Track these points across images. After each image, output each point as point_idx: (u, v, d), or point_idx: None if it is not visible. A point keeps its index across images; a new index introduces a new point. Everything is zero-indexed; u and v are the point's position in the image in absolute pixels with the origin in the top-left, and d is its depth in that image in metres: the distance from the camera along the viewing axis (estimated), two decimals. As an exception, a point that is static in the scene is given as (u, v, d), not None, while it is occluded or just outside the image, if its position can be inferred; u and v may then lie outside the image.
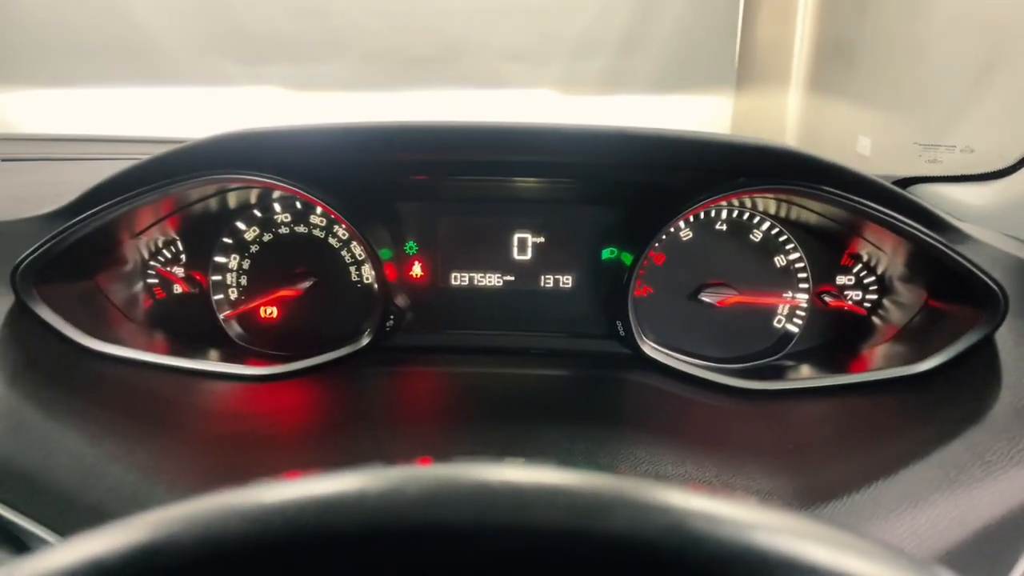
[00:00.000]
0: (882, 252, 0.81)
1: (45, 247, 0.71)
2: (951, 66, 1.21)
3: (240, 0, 2.48)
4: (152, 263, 0.86)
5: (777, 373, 0.81)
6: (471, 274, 0.87)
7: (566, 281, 0.87)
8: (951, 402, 0.66)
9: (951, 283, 0.72)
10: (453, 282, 0.87)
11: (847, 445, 0.65)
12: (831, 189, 0.72)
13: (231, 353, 0.84)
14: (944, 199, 1.02)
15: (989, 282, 0.67)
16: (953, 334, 0.71)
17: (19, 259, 0.69)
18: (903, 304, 0.81)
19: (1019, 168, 0.96)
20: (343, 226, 0.84)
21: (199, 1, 2.50)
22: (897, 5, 1.46)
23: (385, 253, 0.83)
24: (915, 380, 0.71)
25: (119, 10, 2.46)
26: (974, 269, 0.67)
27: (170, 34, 2.52)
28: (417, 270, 0.87)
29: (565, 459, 0.62)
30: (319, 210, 0.85)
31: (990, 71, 1.07)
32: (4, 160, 1.06)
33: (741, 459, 0.63)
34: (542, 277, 0.87)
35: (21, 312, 0.70)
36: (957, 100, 1.10)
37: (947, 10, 1.27)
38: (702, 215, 0.83)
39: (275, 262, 0.86)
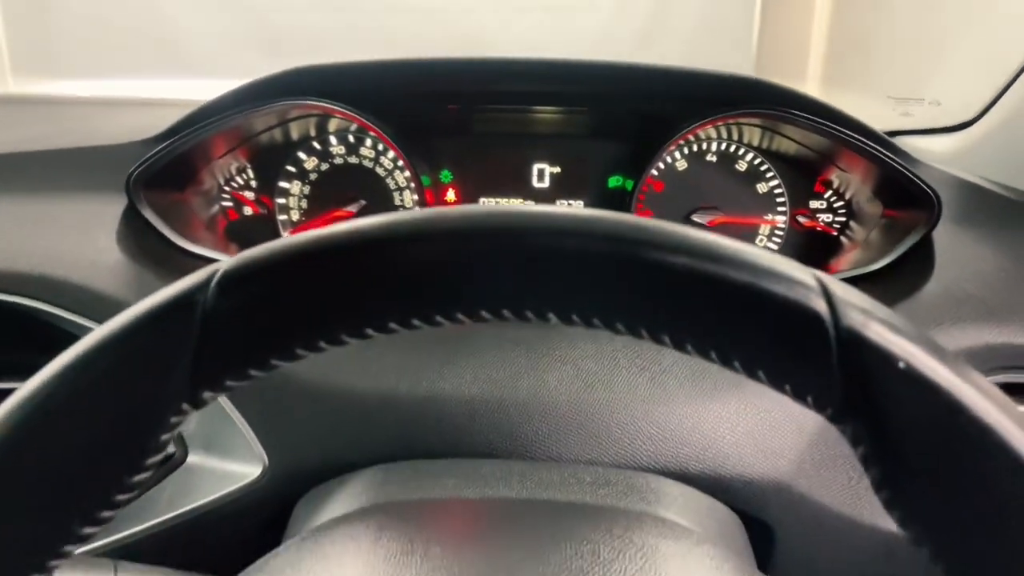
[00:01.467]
0: (850, 178, 0.95)
1: (148, 163, 0.87)
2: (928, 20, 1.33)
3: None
4: (226, 187, 1.02)
5: (757, 281, 0.95)
6: (497, 199, 1.02)
7: (578, 206, 1.02)
8: (894, 289, 0.80)
9: (901, 197, 0.86)
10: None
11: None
12: (801, 113, 0.86)
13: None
14: (913, 150, 1.16)
15: (925, 188, 0.81)
16: (901, 238, 0.85)
17: (130, 170, 0.85)
18: (866, 223, 0.94)
19: (977, 120, 1.10)
20: (392, 154, 0.99)
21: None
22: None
23: (425, 180, 0.98)
24: (868, 277, 0.85)
25: (149, 5, 2.61)
26: (914, 177, 0.82)
27: (198, 28, 2.66)
28: (451, 195, 1.02)
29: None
30: (369, 142, 1.00)
31: (958, 27, 1.20)
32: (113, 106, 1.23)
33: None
34: (558, 202, 1.02)
35: (133, 213, 0.86)
36: (928, 54, 1.23)
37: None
38: (695, 147, 0.98)
39: (331, 187, 1.02)
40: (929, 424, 0.33)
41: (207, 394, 0.38)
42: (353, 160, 1.01)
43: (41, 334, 0.74)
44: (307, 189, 1.02)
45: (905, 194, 0.84)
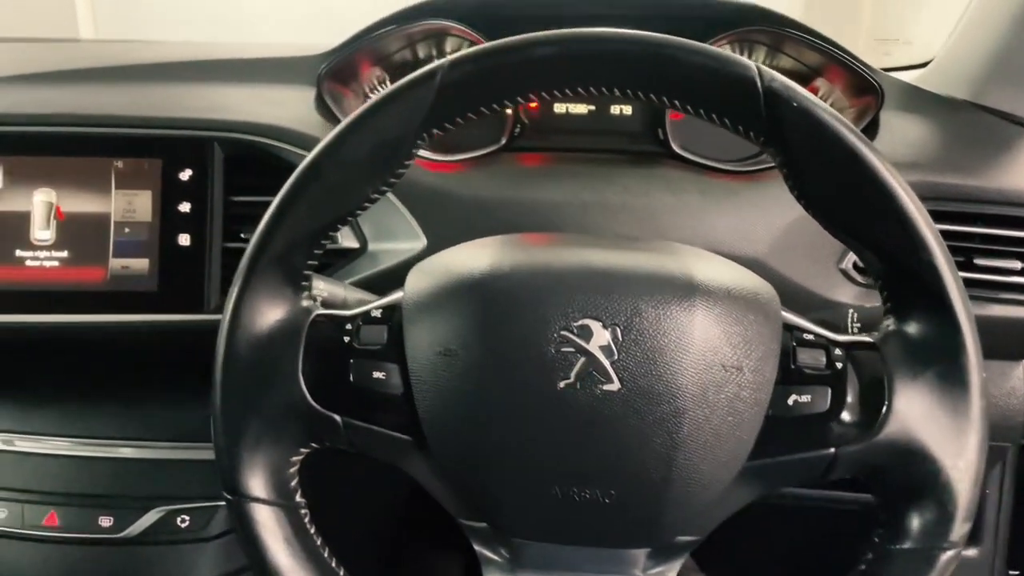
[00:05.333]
0: (832, 87, 1.28)
1: (329, 65, 1.25)
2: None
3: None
4: (370, 93, 1.39)
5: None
6: (567, 105, 1.38)
7: (627, 110, 1.37)
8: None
9: (863, 92, 1.19)
10: (556, 110, 1.38)
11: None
12: (794, 31, 1.20)
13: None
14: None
15: (874, 80, 1.14)
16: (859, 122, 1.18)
17: (321, 69, 1.24)
18: (841, 118, 1.28)
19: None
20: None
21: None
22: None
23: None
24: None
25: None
26: (867, 74, 1.15)
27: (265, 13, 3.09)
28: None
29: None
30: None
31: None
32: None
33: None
34: (611, 107, 1.37)
35: (319, 101, 1.24)
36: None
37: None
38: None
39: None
40: (817, 144, 0.65)
41: (435, 131, 0.73)
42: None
43: (270, 170, 1.12)
44: (428, 94, 1.39)
45: (866, 88, 1.18)
